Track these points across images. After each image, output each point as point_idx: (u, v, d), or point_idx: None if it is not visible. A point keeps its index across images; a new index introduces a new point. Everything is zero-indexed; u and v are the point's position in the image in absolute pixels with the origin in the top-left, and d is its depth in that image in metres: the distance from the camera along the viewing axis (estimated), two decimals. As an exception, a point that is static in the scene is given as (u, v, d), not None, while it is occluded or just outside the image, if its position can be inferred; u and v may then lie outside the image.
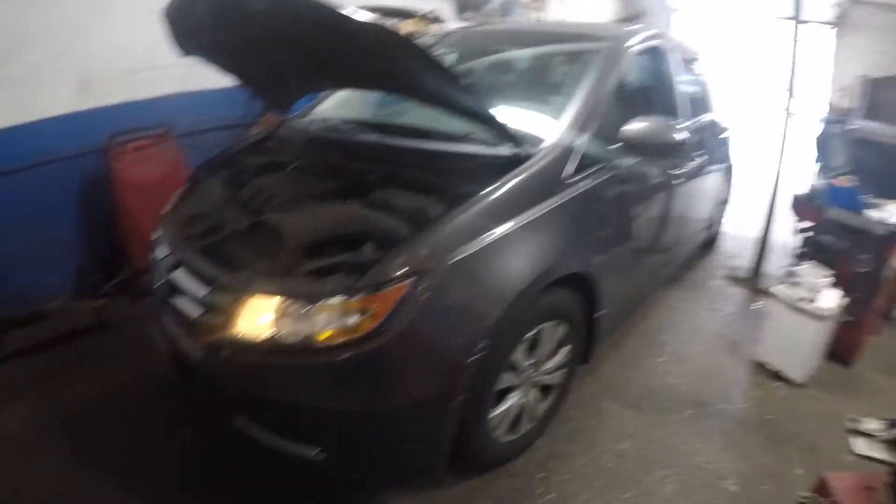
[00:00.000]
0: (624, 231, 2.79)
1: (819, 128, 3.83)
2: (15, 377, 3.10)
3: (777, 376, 3.13)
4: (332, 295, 1.77)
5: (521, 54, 3.39)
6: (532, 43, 3.43)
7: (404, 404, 1.87)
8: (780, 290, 3.09)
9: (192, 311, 2.05)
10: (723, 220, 5.03)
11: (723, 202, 4.80)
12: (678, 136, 2.49)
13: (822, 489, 1.34)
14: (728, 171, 4.61)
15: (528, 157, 2.20)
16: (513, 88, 3.15)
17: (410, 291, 1.78)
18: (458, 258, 1.87)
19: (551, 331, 2.35)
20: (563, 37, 3.37)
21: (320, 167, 2.49)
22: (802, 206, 3.65)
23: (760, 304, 3.90)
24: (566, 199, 2.28)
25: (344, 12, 1.73)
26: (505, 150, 2.21)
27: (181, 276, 2.14)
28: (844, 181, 3.33)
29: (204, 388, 2.19)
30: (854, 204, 3.21)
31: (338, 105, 3.20)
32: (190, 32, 2.38)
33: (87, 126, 3.68)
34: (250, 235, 2.15)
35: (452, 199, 2.03)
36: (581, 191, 2.35)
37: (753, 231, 4.30)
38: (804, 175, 4.30)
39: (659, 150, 2.52)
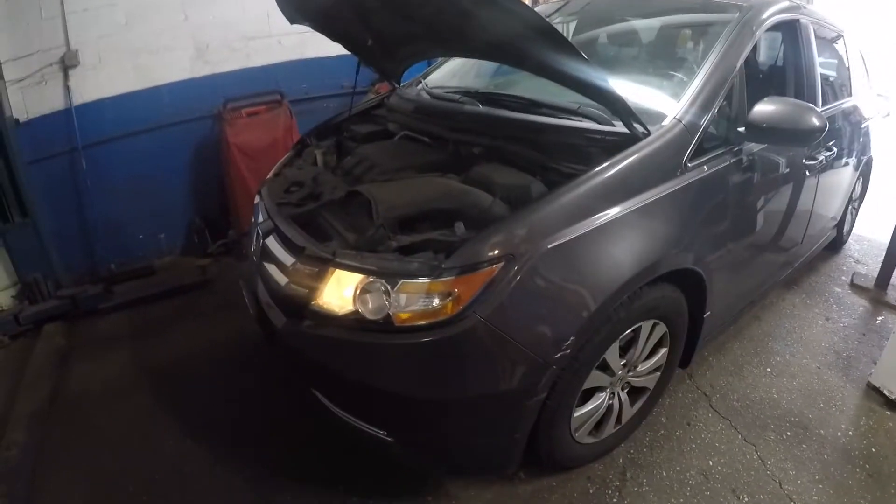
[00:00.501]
0: (744, 225, 2.53)
1: None
2: (120, 327, 3.33)
3: (892, 404, 2.79)
4: (416, 275, 1.69)
5: (644, 24, 3.15)
6: (657, 12, 3.16)
7: (479, 397, 1.78)
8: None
9: (281, 278, 2.04)
10: (855, 219, 4.56)
11: (856, 199, 4.34)
12: (817, 122, 2.17)
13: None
14: (867, 165, 4.15)
15: (644, 136, 2.00)
16: (633, 61, 2.95)
17: (499, 276, 1.67)
18: (556, 243, 1.73)
19: (650, 331, 2.19)
20: (692, 6, 3.05)
21: (425, 138, 2.45)
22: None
23: (882, 318, 3.53)
24: (683, 184, 2.07)
25: None
26: (619, 126, 2.04)
27: (273, 243, 2.15)
28: None
29: (286, 356, 2.19)
30: None
31: (450, 74, 3.14)
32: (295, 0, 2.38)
33: (204, 92, 3.86)
34: (343, 205, 2.13)
35: (556, 178, 1.92)
36: (700, 177, 2.13)
37: (887, 235, 3.86)
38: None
39: (792, 136, 2.21)
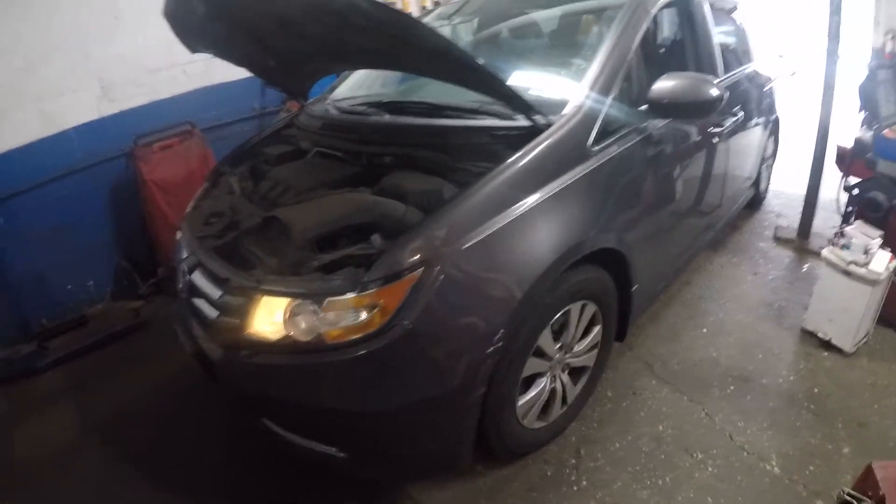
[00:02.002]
0: (659, 197, 2.64)
1: (863, 74, 3.53)
2: (59, 384, 3.23)
3: (826, 345, 2.96)
4: (339, 291, 1.71)
5: (543, 16, 3.23)
6: (555, 3, 3.23)
7: (420, 401, 1.82)
8: (827, 253, 2.91)
9: (210, 312, 2.03)
10: (770, 176, 4.79)
11: (769, 157, 4.54)
12: (714, 92, 2.27)
13: (867, 479, 1.24)
14: (774, 124, 4.35)
15: (546, 127, 2.07)
16: (534, 53, 3.02)
17: (421, 282, 1.70)
18: (472, 242, 1.77)
19: (580, 311, 2.26)
20: None
21: (336, 153, 2.45)
22: (847, 159, 3.41)
23: (808, 266, 3.72)
24: (591, 168, 2.14)
25: None
26: (521, 120, 2.10)
27: (199, 277, 2.14)
28: (894, 132, 3.09)
29: (227, 389, 2.17)
30: (907, 155, 2.98)
31: (355, 85, 3.15)
32: (190, 28, 2.36)
33: (114, 131, 3.78)
34: (262, 231, 2.12)
35: (467, 178, 1.95)
36: (607, 158, 2.21)
37: (803, 188, 4.06)
38: (850, 126, 4.03)
39: (692, 108, 2.30)
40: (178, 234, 2.53)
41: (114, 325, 3.58)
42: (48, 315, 3.71)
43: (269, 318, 1.81)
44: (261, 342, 1.83)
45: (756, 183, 4.30)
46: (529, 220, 1.91)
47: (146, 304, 3.79)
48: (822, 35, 3.72)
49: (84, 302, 3.83)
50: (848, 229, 2.93)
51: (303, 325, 1.75)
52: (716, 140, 3.05)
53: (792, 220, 4.29)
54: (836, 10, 3.54)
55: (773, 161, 4.73)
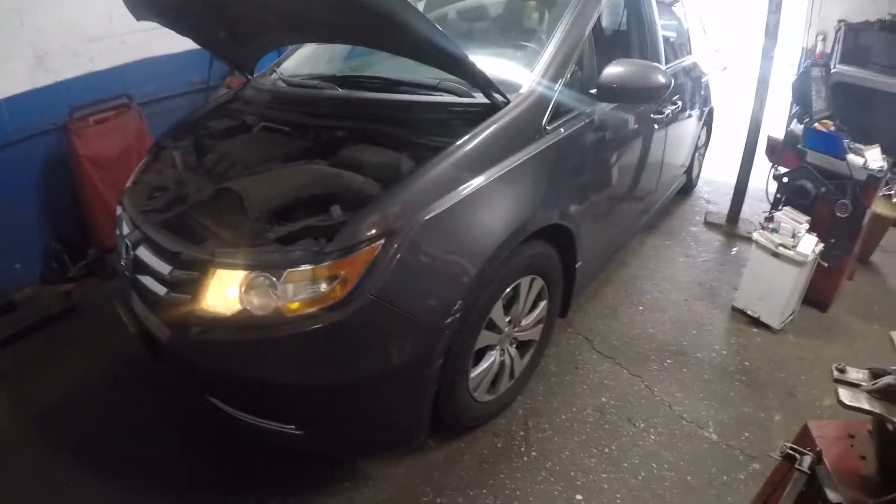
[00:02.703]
0: (602, 179, 2.76)
1: (795, 71, 3.76)
2: (-11, 371, 3.05)
3: (755, 323, 3.16)
4: (299, 263, 1.70)
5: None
6: None
7: (382, 373, 1.84)
8: (758, 235, 3.09)
9: (158, 289, 1.97)
10: (702, 164, 5.02)
11: (702, 146, 4.78)
12: (662, 79, 2.37)
13: (804, 438, 1.34)
14: (708, 115, 4.57)
15: (503, 105, 2.12)
16: (486, 35, 3.08)
17: (381, 254, 1.71)
18: (431, 215, 1.80)
19: (528, 286, 2.32)
20: None
21: (287, 127, 2.42)
22: (778, 150, 3.61)
23: (737, 249, 3.94)
24: (543, 147, 2.21)
25: None
26: (479, 98, 2.13)
27: (145, 253, 2.06)
28: (823, 125, 3.30)
29: (175, 369, 2.15)
30: (834, 149, 3.17)
31: (304, 60, 3.10)
32: None
33: (48, 103, 3.55)
34: (213, 204, 2.06)
35: (424, 153, 1.97)
36: (559, 138, 2.29)
37: (732, 176, 4.29)
38: (780, 119, 4.27)
39: (641, 94, 2.40)
40: (119, 210, 2.43)
41: (45, 310, 3.40)
42: (-28, 301, 3.51)
43: (223, 292, 1.78)
44: (214, 318, 1.79)
45: (689, 170, 4.52)
46: (484, 197, 1.97)
47: (77, 286, 3.61)
48: (756, 33, 3.91)
49: (12, 286, 3.60)
50: (777, 214, 3.12)
51: (260, 299, 1.73)
52: (656, 127, 3.19)
53: (721, 206, 4.53)
54: (774, 9, 3.71)
55: (706, 150, 4.97)
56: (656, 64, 2.47)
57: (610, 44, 3.21)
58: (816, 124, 3.33)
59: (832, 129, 3.30)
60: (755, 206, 4.33)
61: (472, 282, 1.90)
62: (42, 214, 3.72)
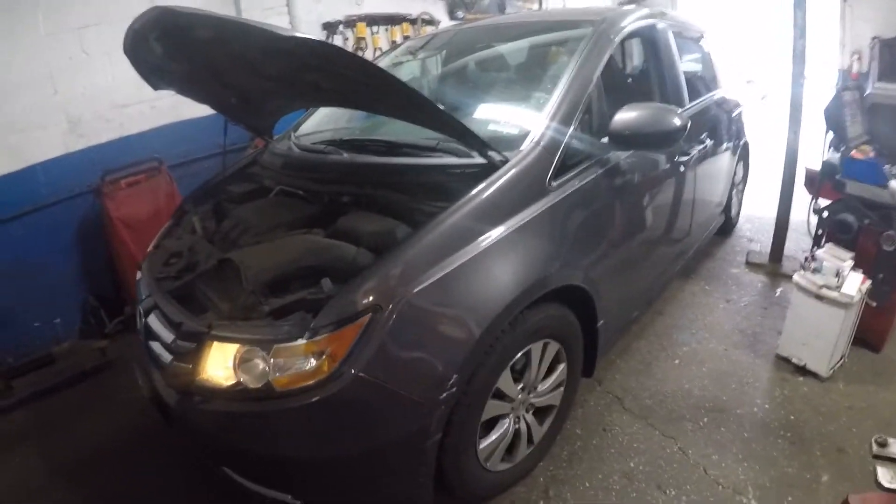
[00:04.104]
0: (624, 230, 2.54)
1: (828, 96, 3.48)
2: (25, 424, 3.07)
3: (801, 371, 2.86)
4: (287, 338, 1.61)
5: (507, 49, 3.17)
6: (517, 35, 3.19)
7: (372, 449, 1.71)
8: (798, 277, 2.82)
9: (165, 356, 1.92)
10: (741, 201, 4.71)
11: (739, 182, 4.48)
12: (676, 122, 2.19)
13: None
14: (743, 150, 4.30)
15: (502, 163, 1.98)
16: (495, 87, 2.92)
17: (369, 329, 1.60)
18: (421, 287, 1.67)
19: (542, 351, 2.14)
20: (549, 25, 3.12)
21: (297, 192, 2.36)
22: (816, 182, 3.34)
23: (781, 290, 3.63)
24: (550, 203, 2.04)
25: (281, 31, 1.59)
26: (476, 157, 2.00)
27: (154, 320, 2.03)
28: (861, 152, 3.03)
29: (184, 434, 2.08)
30: (874, 177, 2.90)
31: (318, 123, 3.05)
32: (151, 66, 2.28)
33: (82, 166, 3.66)
34: (216, 275, 2.02)
35: (422, 218, 1.86)
36: (567, 193, 2.12)
37: (774, 211, 3.98)
38: (817, 148, 4.00)
39: (655, 139, 2.21)
40: (139, 275, 2.42)
41: (81, 365, 3.43)
42: (14, 353, 3.56)
43: (220, 364, 1.71)
44: (213, 388, 1.72)
45: (727, 209, 4.23)
46: (484, 260, 1.81)
47: (112, 342, 3.63)
48: (788, 59, 3.69)
49: (51, 340, 3.66)
50: (819, 252, 2.85)
51: (253, 372, 1.65)
52: (682, 168, 2.97)
53: (764, 244, 4.22)
54: (800, 34, 3.49)
55: (744, 186, 4.68)
56: (670, 106, 2.29)
57: (626, 87, 3.06)
58: (854, 152, 3.06)
59: (871, 155, 3.02)
60: (800, 242, 4.04)
61: (470, 354, 1.75)
62: (80, 272, 3.81)
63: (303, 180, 2.38)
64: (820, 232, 3.15)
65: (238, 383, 1.67)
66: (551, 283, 2.02)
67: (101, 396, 3.23)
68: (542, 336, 2.10)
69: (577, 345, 2.32)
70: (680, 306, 3.56)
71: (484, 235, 1.84)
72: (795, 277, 2.83)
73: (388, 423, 1.70)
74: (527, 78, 2.81)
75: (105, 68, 3.69)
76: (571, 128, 2.19)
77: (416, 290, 1.66)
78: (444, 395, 1.71)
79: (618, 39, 2.61)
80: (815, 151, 3.66)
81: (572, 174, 2.18)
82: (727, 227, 4.50)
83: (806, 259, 2.89)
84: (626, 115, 2.22)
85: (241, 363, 1.67)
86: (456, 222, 1.81)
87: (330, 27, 4.99)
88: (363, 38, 5.16)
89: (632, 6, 3.12)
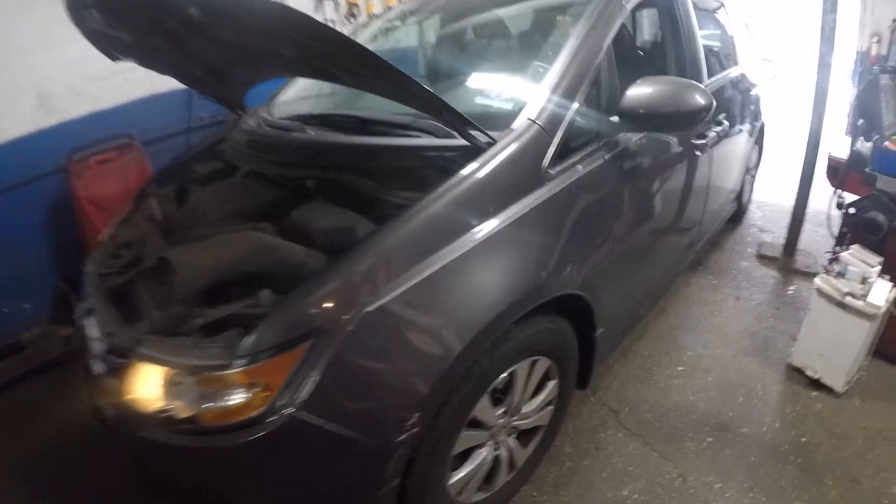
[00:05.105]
0: (632, 224, 2.16)
1: (851, 76, 3.05)
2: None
3: (815, 384, 2.51)
4: (213, 365, 1.28)
5: (506, 13, 2.75)
6: None
7: (314, 497, 1.40)
8: (821, 282, 2.45)
9: (99, 366, 1.58)
10: (753, 187, 4.28)
11: (753, 167, 4.05)
12: (701, 100, 1.80)
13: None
14: (759, 132, 3.87)
15: (488, 146, 1.60)
16: (492, 54, 2.57)
17: (310, 356, 1.26)
18: (382, 301, 1.32)
19: (529, 369, 1.79)
20: None
21: (257, 175, 2.00)
22: (841, 173, 2.95)
23: (794, 288, 3.27)
24: (547, 195, 1.67)
25: None
26: (457, 139, 1.63)
27: (91, 325, 1.71)
28: (895, 144, 2.64)
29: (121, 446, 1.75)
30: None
31: (297, 93, 2.64)
32: (101, 37, 1.93)
33: (53, 143, 3.28)
34: (154, 276, 1.69)
35: (386, 212, 1.52)
36: (568, 182, 1.74)
37: (788, 198, 3.58)
38: (840, 135, 3.57)
39: (675, 120, 1.83)
40: (87, 268, 2.08)
41: (47, 353, 3.15)
42: (-18, 339, 3.29)
43: (149, 385, 1.38)
44: (141, 412, 1.39)
45: (739, 195, 3.82)
46: (461, 269, 1.46)
47: (77, 331, 3.35)
48: (807, 37, 3.26)
49: (21, 326, 3.37)
50: (844, 255, 2.47)
51: (179, 401, 1.33)
52: (698, 152, 2.59)
53: (776, 234, 3.83)
54: (830, 8, 3.03)
55: (757, 171, 4.25)
56: (693, 82, 1.91)
57: (639, 60, 2.66)
58: (887, 142, 2.66)
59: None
60: (813, 233, 3.65)
61: (438, 385, 1.41)
62: (50, 255, 3.47)
63: (266, 161, 1.99)
64: (845, 230, 2.77)
65: (166, 410, 1.34)
66: (545, 294, 1.67)
67: (64, 388, 2.94)
68: (530, 354, 1.75)
69: (570, 359, 1.98)
70: (686, 303, 3.18)
71: (462, 237, 1.48)
72: (817, 282, 2.46)
73: (331, 471, 1.37)
74: (526, 45, 2.42)
75: (77, 38, 3.27)
76: (575, 103, 1.81)
77: (371, 307, 1.32)
78: (403, 437, 1.38)
79: (630, 6, 2.21)
80: (835, 138, 3.27)
81: (574, 159, 1.81)
82: (738, 214, 4.09)
83: (830, 261, 2.52)
84: (640, 91, 1.84)
85: (171, 386, 1.34)
86: (426, 220, 1.45)
87: (318, -10, 4.56)
88: (355, 4, 4.72)
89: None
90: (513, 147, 1.64)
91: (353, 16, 4.72)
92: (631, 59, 2.48)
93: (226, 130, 2.53)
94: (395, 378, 1.38)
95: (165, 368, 1.34)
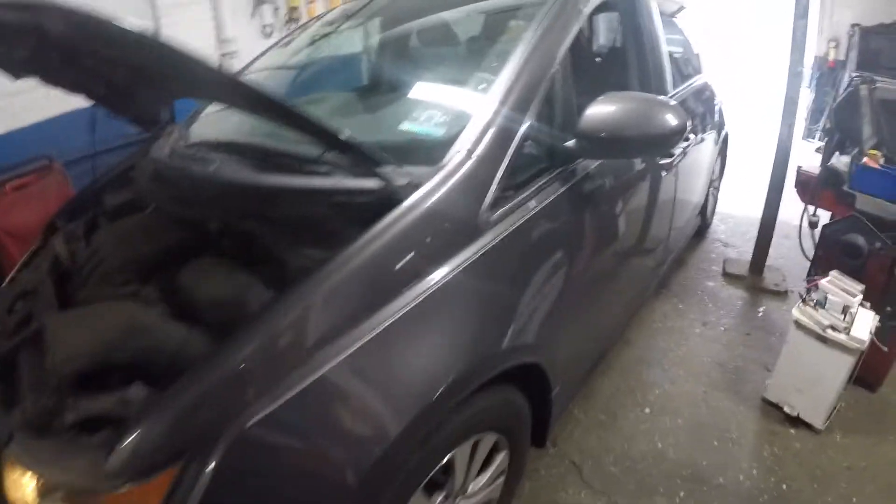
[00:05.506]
0: (593, 257, 1.77)
1: (815, 84, 2.74)
2: None
3: (793, 421, 2.18)
4: (78, 483, 0.92)
5: (448, 17, 2.30)
6: (467, 1, 2.30)
7: None
8: (799, 313, 2.11)
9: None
10: (717, 198, 3.89)
11: (716, 179, 3.67)
12: (674, 120, 1.44)
13: None
14: (724, 142, 3.53)
15: (412, 188, 1.22)
16: (426, 67, 2.14)
17: (182, 481, 0.89)
18: (265, 412, 0.94)
19: (472, 447, 1.41)
20: None
21: (157, 217, 1.59)
22: (813, 189, 2.63)
23: (763, 310, 2.93)
24: (487, 247, 1.28)
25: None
26: (370, 182, 1.23)
27: None
28: (873, 159, 2.31)
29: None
30: (891, 190, 2.18)
31: (208, 118, 2.15)
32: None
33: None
34: (36, 345, 1.25)
35: (286, 276, 1.13)
36: (515, 226, 1.36)
37: (752, 210, 3.24)
38: (808, 146, 3.24)
39: (642, 145, 1.48)
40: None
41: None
42: None
43: (21, 487, 1.01)
44: None
45: (703, 208, 3.44)
46: (371, 357, 1.07)
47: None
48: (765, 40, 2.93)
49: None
50: (823, 283, 2.13)
51: None
52: (664, 172, 2.23)
53: (741, 249, 3.48)
54: (802, 12, 2.69)
55: (720, 182, 3.87)
56: (663, 99, 1.54)
57: (597, 69, 2.28)
58: (866, 158, 2.33)
59: (882, 162, 2.32)
60: (780, 246, 3.29)
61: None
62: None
63: (167, 198, 1.55)
64: (820, 253, 2.43)
65: None
66: (489, 370, 1.29)
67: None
68: (473, 433, 1.37)
69: (523, 427, 1.59)
70: (650, 333, 2.79)
71: (373, 316, 1.09)
72: (795, 313, 2.12)
73: None
74: (469, 55, 2.01)
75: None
76: (524, 126, 1.43)
77: (254, 420, 0.93)
78: None
79: (588, 9, 1.82)
80: (797, 144, 2.94)
81: (523, 195, 1.43)
82: (702, 228, 3.73)
83: (807, 289, 2.18)
84: (602, 110, 1.47)
85: (43, 495, 0.97)
86: (330, 292, 1.06)
87: (255, -6, 4.12)
88: (296, 8, 4.28)
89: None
90: (442, 190, 1.24)
91: (294, 20, 4.27)
92: (588, 69, 2.12)
93: (138, 154, 2.08)
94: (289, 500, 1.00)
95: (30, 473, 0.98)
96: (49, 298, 1.40)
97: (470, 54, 2.00)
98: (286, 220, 1.30)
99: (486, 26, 2.11)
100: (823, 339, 2.04)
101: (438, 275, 1.19)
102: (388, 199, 1.20)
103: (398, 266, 1.15)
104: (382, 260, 1.13)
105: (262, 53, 2.42)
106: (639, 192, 2.09)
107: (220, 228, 1.40)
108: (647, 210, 2.19)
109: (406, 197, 1.20)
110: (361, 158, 1.21)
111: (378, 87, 1.88)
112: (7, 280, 1.74)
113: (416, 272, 1.17)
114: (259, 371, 0.96)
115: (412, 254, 1.17)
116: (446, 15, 2.29)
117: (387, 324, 1.08)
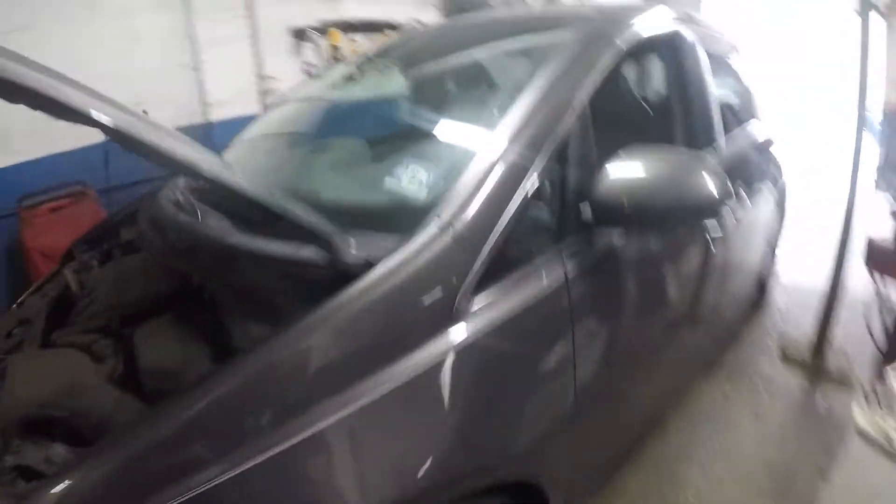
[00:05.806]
0: (612, 348, 1.39)
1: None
2: None
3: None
4: None
5: (456, 61, 2.01)
6: (487, 39, 1.96)
7: None
8: (860, 415, 1.70)
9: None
10: (774, 262, 3.28)
11: (775, 239, 3.11)
12: (711, 187, 1.15)
13: None
14: (782, 195, 2.98)
15: (365, 266, 0.97)
16: (423, 117, 1.81)
17: None
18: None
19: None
20: (529, 26, 1.92)
21: (150, 261, 1.48)
22: (888, 263, 2.18)
23: (826, 407, 2.36)
24: (460, 343, 1.00)
25: None
26: (309, 253, 1.01)
27: None
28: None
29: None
30: None
31: (234, 156, 2.01)
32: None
33: (7, 187, 2.79)
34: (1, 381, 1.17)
35: (228, 351, 1.00)
36: (501, 321, 1.06)
37: (813, 277, 2.74)
38: (880, 208, 2.75)
39: (674, 216, 1.20)
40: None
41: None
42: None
43: None
44: None
45: (761, 277, 2.95)
46: (313, 457, 0.85)
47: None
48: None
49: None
50: (893, 381, 1.71)
51: None
52: (711, 246, 1.83)
53: (801, 324, 2.87)
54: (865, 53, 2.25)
55: (778, 242, 3.24)
56: (699, 153, 1.23)
57: (630, 120, 1.97)
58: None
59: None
60: (847, 323, 2.67)
61: None
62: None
63: (152, 242, 1.40)
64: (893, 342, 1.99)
65: None
66: (450, 492, 0.99)
67: None
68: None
69: None
70: (691, 420, 2.30)
71: (302, 417, 0.84)
72: (857, 417, 1.72)
73: None
74: (465, 105, 1.70)
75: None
76: (522, 191, 1.14)
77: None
78: None
79: (618, 49, 1.51)
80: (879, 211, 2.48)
81: (516, 275, 1.13)
82: (759, 301, 3.18)
83: (872, 385, 1.76)
84: (623, 172, 1.19)
85: None
86: (262, 379, 0.84)
87: (299, 33, 4.05)
88: (338, 47, 4.17)
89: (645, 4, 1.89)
90: (406, 270, 0.98)
91: (337, 59, 4.17)
92: (620, 117, 1.81)
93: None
94: None
95: None
96: (35, 333, 1.35)
97: (471, 101, 1.71)
98: (238, 284, 1.13)
99: (499, 67, 1.81)
100: (892, 456, 1.61)
101: (388, 375, 0.91)
102: (342, 276, 0.94)
103: (338, 358, 0.89)
104: (322, 349, 0.89)
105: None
106: (675, 261, 1.73)
107: (198, 284, 1.29)
108: (687, 283, 1.81)
109: (358, 275, 0.94)
110: (312, 228, 0.97)
111: (379, 136, 1.63)
112: (17, 302, 1.71)
113: (362, 369, 0.90)
114: (174, 460, 0.77)
115: (359, 345, 0.91)
116: (455, 59, 2.02)
117: (313, 430, 0.83)
